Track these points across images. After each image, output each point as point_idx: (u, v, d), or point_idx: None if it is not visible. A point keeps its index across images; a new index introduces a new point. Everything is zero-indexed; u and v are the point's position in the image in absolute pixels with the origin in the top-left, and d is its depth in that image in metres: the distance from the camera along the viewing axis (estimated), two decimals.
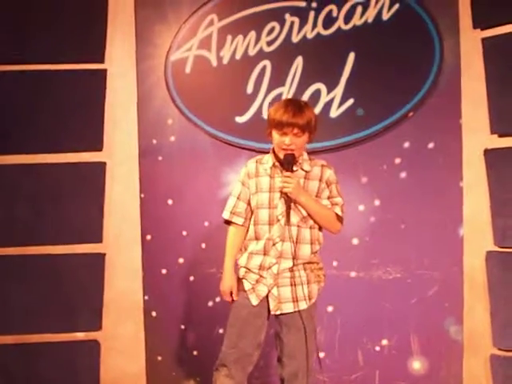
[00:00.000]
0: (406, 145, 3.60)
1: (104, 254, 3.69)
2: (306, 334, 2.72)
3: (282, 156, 2.72)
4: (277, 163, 2.76)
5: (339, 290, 3.61)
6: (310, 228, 2.76)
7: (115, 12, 3.72)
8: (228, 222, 2.85)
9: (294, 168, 2.73)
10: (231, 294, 2.80)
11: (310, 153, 3.51)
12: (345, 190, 3.52)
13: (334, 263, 3.63)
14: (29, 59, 3.68)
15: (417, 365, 3.62)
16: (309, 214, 2.74)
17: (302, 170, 2.77)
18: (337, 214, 2.79)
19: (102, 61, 3.70)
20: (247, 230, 2.82)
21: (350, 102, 3.60)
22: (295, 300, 2.74)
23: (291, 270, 2.74)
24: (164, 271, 3.73)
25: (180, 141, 3.70)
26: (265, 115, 3.62)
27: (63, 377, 3.64)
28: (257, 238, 2.77)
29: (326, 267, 3.53)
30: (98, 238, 3.68)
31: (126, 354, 3.74)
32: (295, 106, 2.71)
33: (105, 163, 3.69)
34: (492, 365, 3.49)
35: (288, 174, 2.69)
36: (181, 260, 3.71)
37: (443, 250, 3.59)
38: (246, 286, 2.77)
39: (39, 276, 3.65)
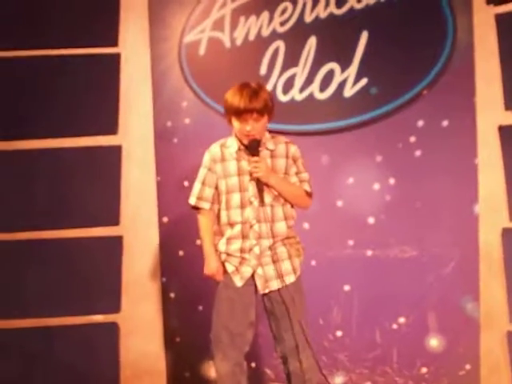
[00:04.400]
0: (421, 123, 3.75)
1: (121, 237, 3.88)
2: (296, 307, 2.88)
3: (245, 142, 2.88)
4: (242, 147, 2.92)
5: (356, 269, 3.81)
6: (283, 205, 2.93)
7: None
8: (195, 208, 3.03)
9: (260, 150, 2.89)
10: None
11: (325, 133, 3.75)
12: (360, 169, 3.77)
13: (350, 242, 3.81)
14: (42, 44, 3.84)
15: (434, 342, 3.80)
16: (279, 194, 2.91)
17: (267, 149, 2.93)
18: (306, 191, 2.97)
19: (115, 44, 3.87)
20: (217, 214, 2.99)
21: (364, 81, 3.76)
22: (281, 276, 2.90)
23: (271, 248, 2.90)
24: (181, 253, 3.92)
25: (195, 123, 3.89)
26: (279, 96, 3.81)
27: (82, 359, 3.83)
28: (230, 223, 2.93)
29: (342, 246, 3.79)
30: (115, 220, 3.86)
31: (144, 335, 3.94)
32: (250, 90, 2.83)
33: (120, 146, 3.87)
34: (509, 341, 3.67)
35: (255, 158, 2.84)
36: (198, 241, 3.83)
37: (459, 227, 3.75)
38: (229, 268, 2.93)
39: (57, 259, 3.83)
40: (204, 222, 3.02)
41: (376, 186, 3.80)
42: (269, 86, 3.79)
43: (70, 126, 3.85)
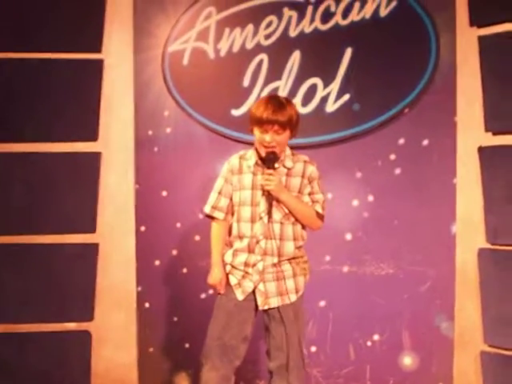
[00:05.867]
0: (401, 141, 3.79)
1: (97, 245, 3.86)
2: (293, 327, 2.88)
3: (263, 153, 2.87)
4: (259, 161, 2.92)
5: (332, 285, 3.82)
6: (293, 224, 2.92)
7: (114, 1, 3.89)
8: (210, 217, 3.02)
9: (276, 165, 2.88)
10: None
11: (306, 147, 3.76)
12: (339, 184, 3.79)
13: (327, 258, 3.84)
14: (25, 48, 3.84)
15: (407, 360, 3.83)
16: (289, 211, 2.90)
17: (284, 166, 2.92)
18: (317, 212, 2.96)
19: (99, 51, 3.86)
20: (230, 224, 2.99)
21: (346, 97, 3.79)
22: (282, 294, 2.90)
23: (276, 265, 2.90)
24: (157, 263, 3.92)
25: (176, 132, 3.89)
26: None
27: (54, 367, 3.81)
28: (239, 236, 2.93)
29: (318, 262, 3.80)
30: (91, 228, 3.84)
31: (117, 345, 3.92)
32: (276, 102, 2.84)
33: (100, 153, 3.86)
34: (482, 361, 3.68)
35: (270, 171, 2.83)
36: (174, 252, 3.91)
37: (436, 246, 3.79)
38: (232, 280, 2.94)
39: (32, 265, 3.81)
40: (216, 231, 3.02)
41: (355, 203, 3.83)
42: (251, 99, 3.82)
43: (50, 131, 3.84)
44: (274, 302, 2.90)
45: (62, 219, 3.83)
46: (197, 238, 3.87)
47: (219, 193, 2.99)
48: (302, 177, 2.93)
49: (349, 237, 3.82)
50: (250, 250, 2.90)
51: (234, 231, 2.95)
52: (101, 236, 3.88)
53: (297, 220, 2.92)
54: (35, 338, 3.82)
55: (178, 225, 3.89)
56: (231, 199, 2.97)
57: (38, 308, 3.81)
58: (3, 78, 3.84)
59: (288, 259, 2.92)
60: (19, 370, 3.79)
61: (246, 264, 2.90)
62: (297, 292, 2.93)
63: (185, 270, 3.90)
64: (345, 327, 3.84)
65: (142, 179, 3.91)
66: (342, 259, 3.83)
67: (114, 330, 3.92)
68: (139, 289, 3.92)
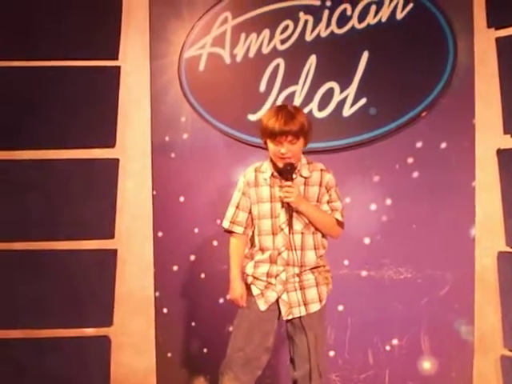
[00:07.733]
0: (419, 144, 3.78)
1: (116, 250, 3.87)
2: (317, 336, 2.87)
3: (280, 165, 2.85)
4: (275, 173, 2.90)
5: (350, 290, 3.80)
6: (313, 234, 2.91)
7: (129, 9, 3.91)
8: (228, 231, 3.01)
9: (294, 176, 2.86)
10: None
11: (323, 152, 3.74)
12: (357, 189, 3.77)
13: (346, 262, 3.82)
14: (42, 55, 3.87)
15: (427, 365, 3.80)
16: (309, 221, 2.89)
17: (301, 176, 2.91)
18: (337, 220, 2.94)
19: (115, 57, 3.88)
20: (251, 238, 2.98)
21: (363, 101, 3.78)
22: (306, 303, 2.89)
23: (298, 275, 2.89)
24: (175, 268, 3.92)
25: (193, 138, 3.90)
26: None
27: (73, 372, 3.82)
28: (261, 249, 2.92)
29: (337, 266, 3.78)
30: (109, 234, 3.86)
31: (136, 350, 3.94)
32: (286, 113, 2.81)
33: (117, 160, 3.88)
34: (502, 365, 3.66)
35: (288, 183, 2.81)
36: (192, 257, 3.91)
37: (455, 250, 3.77)
38: (255, 291, 2.92)
39: (51, 271, 3.83)
40: (235, 246, 3.00)
41: (373, 207, 3.81)
42: (268, 104, 3.81)
43: (68, 137, 3.86)
44: (298, 312, 2.88)
45: (80, 225, 3.85)
46: (215, 243, 3.87)
47: (237, 207, 2.97)
48: (320, 185, 2.92)
49: (367, 241, 3.81)
50: (272, 261, 2.89)
51: (256, 244, 2.94)
52: (119, 242, 3.90)
53: (317, 229, 2.91)
54: (54, 343, 3.85)
55: (196, 230, 3.89)
56: (250, 212, 2.96)
57: (57, 314, 3.83)
58: (21, 86, 3.87)
59: (310, 269, 2.91)
60: (38, 376, 3.80)
61: (269, 274, 2.89)
62: (320, 301, 2.92)
63: (203, 276, 3.90)
64: (363, 332, 3.83)
65: (159, 185, 3.92)
66: (361, 263, 3.82)
67: (133, 335, 3.94)
68: (157, 294, 3.93)
